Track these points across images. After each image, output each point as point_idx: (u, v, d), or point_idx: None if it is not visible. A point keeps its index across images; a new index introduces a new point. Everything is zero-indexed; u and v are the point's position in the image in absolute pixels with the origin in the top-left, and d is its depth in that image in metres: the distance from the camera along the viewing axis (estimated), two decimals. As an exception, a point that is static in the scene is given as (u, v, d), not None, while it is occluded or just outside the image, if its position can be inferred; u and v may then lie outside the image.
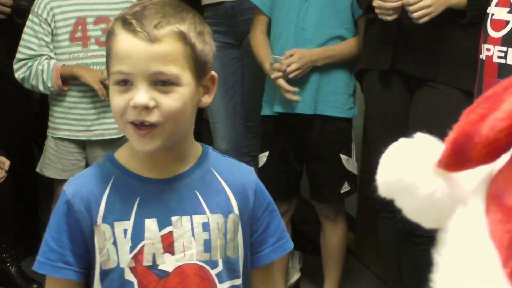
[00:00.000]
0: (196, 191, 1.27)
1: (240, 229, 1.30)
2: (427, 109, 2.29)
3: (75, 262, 1.24)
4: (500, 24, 1.92)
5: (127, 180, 1.26)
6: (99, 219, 1.24)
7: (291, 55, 2.47)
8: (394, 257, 2.48)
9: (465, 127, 0.54)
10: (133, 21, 1.17)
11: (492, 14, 1.94)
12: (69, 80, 2.51)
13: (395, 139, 2.24)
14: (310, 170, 2.69)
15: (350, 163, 2.65)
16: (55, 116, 2.59)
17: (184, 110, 1.19)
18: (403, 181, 0.59)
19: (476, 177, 0.57)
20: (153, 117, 1.16)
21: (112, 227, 1.24)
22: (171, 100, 1.17)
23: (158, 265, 1.24)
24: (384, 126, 2.44)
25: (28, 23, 2.53)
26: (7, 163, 2.62)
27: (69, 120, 2.57)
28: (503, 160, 0.55)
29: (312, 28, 2.51)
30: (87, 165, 2.61)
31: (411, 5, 2.15)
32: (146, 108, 1.15)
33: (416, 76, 2.30)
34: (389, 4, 2.18)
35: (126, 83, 1.17)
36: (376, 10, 2.23)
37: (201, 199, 1.27)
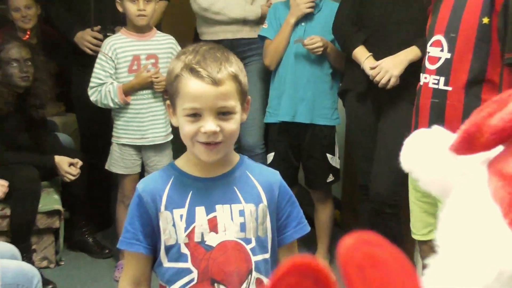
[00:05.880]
0: (235, 187, 1.25)
1: (268, 216, 1.26)
2: (392, 121, 2.29)
3: (144, 240, 1.23)
4: (434, 59, 1.92)
5: (183, 179, 1.24)
6: (162, 208, 1.22)
7: (312, 39, 2.44)
8: (370, 229, 2.45)
9: (476, 120, 0.54)
10: (200, 70, 1.15)
11: (428, 52, 1.95)
12: (130, 93, 2.50)
13: (367, 144, 2.26)
14: (305, 166, 2.70)
15: (334, 160, 2.66)
16: (118, 128, 2.60)
17: (238, 129, 1.20)
18: (422, 159, 0.60)
19: (475, 162, 0.57)
20: (219, 138, 1.17)
21: (172, 213, 1.22)
22: (231, 125, 1.18)
23: (206, 241, 1.22)
24: (359, 134, 2.45)
25: (97, 59, 2.55)
26: (79, 163, 2.64)
27: (128, 131, 2.58)
28: (498, 149, 0.55)
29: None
30: (142, 164, 2.62)
31: (378, 82, 2.21)
32: (214, 132, 1.16)
33: (385, 96, 2.27)
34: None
35: (195, 115, 1.16)
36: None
37: (238, 192, 1.25)
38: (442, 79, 1.88)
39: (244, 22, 2.67)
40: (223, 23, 2.70)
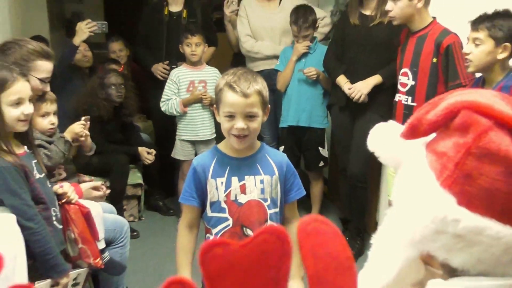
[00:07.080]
0: (257, 164, 1.25)
1: (278, 183, 1.26)
2: (362, 125, 2.27)
3: (197, 197, 1.24)
4: (404, 84, 1.96)
5: (223, 158, 1.24)
6: (209, 176, 1.23)
7: (310, 69, 2.43)
8: (347, 198, 2.45)
9: (417, 116, 0.53)
10: (236, 86, 1.15)
11: (400, 79, 1.99)
12: (187, 105, 2.51)
13: (345, 141, 2.25)
14: (304, 155, 2.67)
15: (324, 151, 2.63)
16: (180, 128, 2.60)
17: (259, 127, 1.21)
18: (382, 143, 0.59)
19: (417, 144, 0.56)
20: (246, 132, 1.18)
21: (215, 181, 1.23)
22: (255, 124, 1.18)
23: (238, 199, 1.23)
24: (340, 136, 2.44)
25: (167, 83, 2.57)
26: (154, 152, 2.66)
27: (187, 130, 2.57)
28: (433, 135, 0.54)
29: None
30: (195, 153, 2.59)
31: (353, 98, 2.20)
32: (243, 129, 1.17)
33: (358, 108, 2.26)
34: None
35: (231, 116, 1.17)
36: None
37: (259, 167, 1.24)
38: (410, 98, 1.94)
39: (275, 57, 2.68)
40: (261, 59, 2.73)
